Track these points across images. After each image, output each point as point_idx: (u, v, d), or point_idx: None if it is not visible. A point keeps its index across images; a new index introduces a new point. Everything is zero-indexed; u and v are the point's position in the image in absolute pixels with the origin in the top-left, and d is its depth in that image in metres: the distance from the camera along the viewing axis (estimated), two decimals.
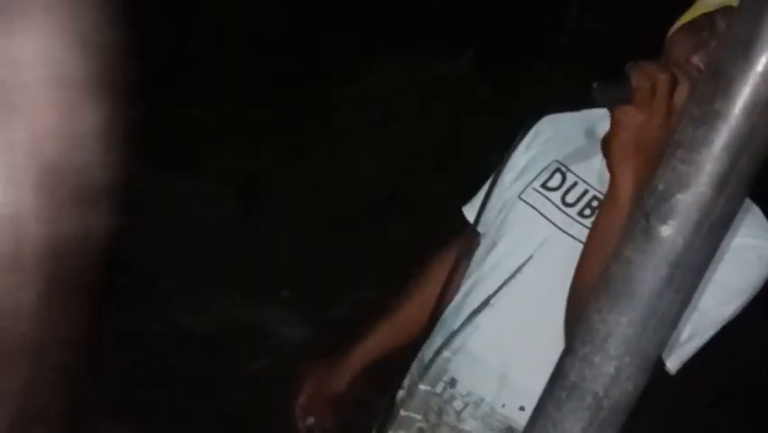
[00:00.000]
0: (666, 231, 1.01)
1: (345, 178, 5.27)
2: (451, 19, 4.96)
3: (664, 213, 1.01)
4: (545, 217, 1.82)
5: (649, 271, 1.02)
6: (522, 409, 1.79)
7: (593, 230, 1.61)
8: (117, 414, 3.57)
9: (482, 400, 1.82)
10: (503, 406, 1.81)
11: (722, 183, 0.99)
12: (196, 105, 5.63)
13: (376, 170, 5.08)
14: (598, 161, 1.77)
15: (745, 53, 0.97)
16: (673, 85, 1.55)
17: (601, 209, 1.61)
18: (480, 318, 1.86)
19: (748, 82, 0.96)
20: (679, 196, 1.00)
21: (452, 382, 1.87)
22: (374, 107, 5.51)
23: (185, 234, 4.80)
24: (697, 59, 1.62)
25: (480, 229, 1.98)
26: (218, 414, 3.71)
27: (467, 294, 1.92)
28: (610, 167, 1.58)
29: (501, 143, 2.00)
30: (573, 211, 1.77)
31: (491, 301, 1.86)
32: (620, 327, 1.03)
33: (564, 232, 1.76)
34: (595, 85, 1.54)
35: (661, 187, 1.02)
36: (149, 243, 4.69)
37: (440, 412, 1.87)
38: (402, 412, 1.96)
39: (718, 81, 0.99)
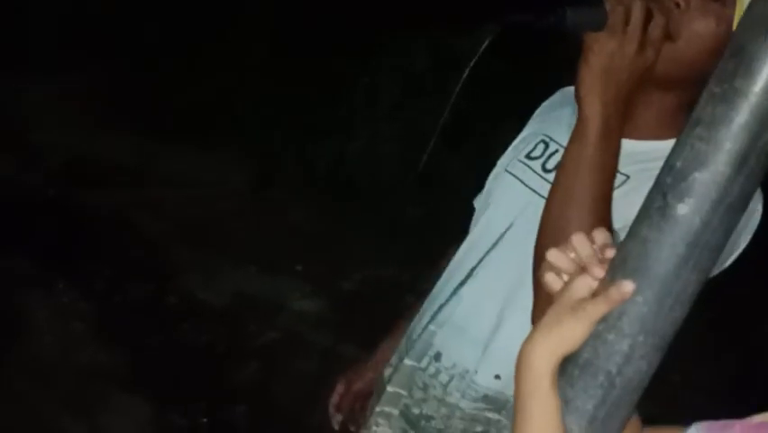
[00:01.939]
0: (683, 209, 1.00)
1: (361, 154, 5.26)
2: None
3: (682, 191, 1.00)
4: (525, 185, 1.79)
5: (665, 250, 1.01)
6: (497, 377, 1.76)
7: (560, 165, 1.58)
8: (129, 384, 3.59)
9: (467, 371, 1.81)
10: (476, 374, 1.79)
11: (741, 162, 0.98)
12: (214, 78, 5.62)
13: (392, 147, 5.07)
14: None
15: (767, 31, 0.96)
16: (648, 15, 1.52)
17: (569, 143, 1.56)
18: (464, 289, 1.85)
19: None
20: (697, 174, 0.99)
21: (437, 356, 1.86)
22: (392, 84, 5.50)
23: (200, 207, 4.81)
24: None
25: (476, 205, 1.97)
26: (230, 385, 3.73)
27: (454, 269, 1.91)
28: (578, 97, 1.53)
29: (517, 124, 2.00)
30: (552, 176, 1.71)
31: (474, 272, 1.84)
32: (635, 305, 1.02)
33: (542, 197, 1.71)
34: (567, 9, 1.50)
35: (678, 165, 1.00)
36: (164, 214, 4.70)
37: (425, 387, 1.86)
38: (389, 388, 1.95)
39: (740, 59, 0.98)
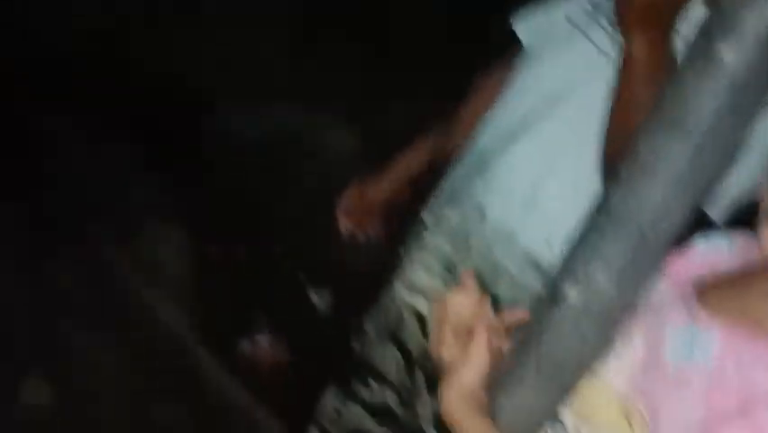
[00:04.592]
0: (728, 53, 0.93)
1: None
2: None
3: (726, 33, 0.93)
4: (593, 42, 1.68)
5: (707, 97, 0.95)
6: (547, 242, 1.69)
7: (615, 98, 1.44)
8: (167, 213, 3.63)
9: (513, 233, 1.74)
10: (529, 239, 1.72)
11: None
12: None
13: None
14: None
15: None
16: None
17: (620, 76, 1.42)
18: (514, 144, 1.77)
19: None
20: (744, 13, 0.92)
21: (481, 209, 1.80)
22: None
23: (240, 42, 4.75)
24: None
25: (525, 44, 1.85)
26: (266, 218, 3.75)
27: (502, 114, 1.82)
28: (624, 33, 1.38)
29: None
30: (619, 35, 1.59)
31: (528, 128, 1.74)
32: (670, 153, 0.97)
33: (607, 55, 1.62)
34: None
35: (724, 4, 0.94)
36: (205, 48, 4.65)
37: (467, 240, 1.81)
38: (428, 236, 1.90)
39: None
